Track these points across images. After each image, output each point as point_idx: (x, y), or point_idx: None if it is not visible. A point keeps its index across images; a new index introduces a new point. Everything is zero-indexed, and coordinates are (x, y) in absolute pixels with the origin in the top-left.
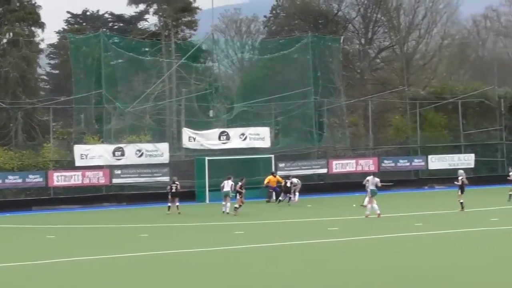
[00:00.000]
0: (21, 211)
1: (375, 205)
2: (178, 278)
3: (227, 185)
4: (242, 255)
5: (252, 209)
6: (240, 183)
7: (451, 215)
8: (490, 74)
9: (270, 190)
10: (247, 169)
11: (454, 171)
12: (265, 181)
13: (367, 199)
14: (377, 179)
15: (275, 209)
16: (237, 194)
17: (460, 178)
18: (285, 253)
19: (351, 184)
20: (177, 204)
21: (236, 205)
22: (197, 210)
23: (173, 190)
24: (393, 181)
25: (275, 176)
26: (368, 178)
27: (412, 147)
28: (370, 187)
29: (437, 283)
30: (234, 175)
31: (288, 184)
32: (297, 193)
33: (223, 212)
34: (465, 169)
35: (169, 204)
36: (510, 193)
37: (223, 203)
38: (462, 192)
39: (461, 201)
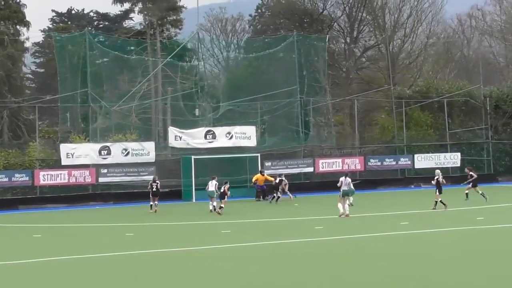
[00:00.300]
0: (7, 210)
1: (346, 206)
2: (164, 278)
3: (211, 185)
4: (228, 254)
5: (239, 208)
6: (226, 186)
7: (437, 214)
8: (475, 73)
9: (258, 189)
10: (234, 168)
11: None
12: (253, 179)
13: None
14: (349, 179)
15: (261, 208)
16: (224, 196)
17: (436, 177)
18: (271, 253)
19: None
20: (156, 203)
21: (222, 205)
22: (184, 209)
23: (154, 189)
24: (360, 180)
25: (263, 175)
26: (341, 179)
27: (398, 146)
28: (343, 187)
29: (422, 282)
30: (220, 174)
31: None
32: (287, 192)
33: (210, 211)
34: (451, 168)
35: (151, 203)
36: (467, 191)
37: (210, 202)
38: (439, 192)
39: (440, 200)
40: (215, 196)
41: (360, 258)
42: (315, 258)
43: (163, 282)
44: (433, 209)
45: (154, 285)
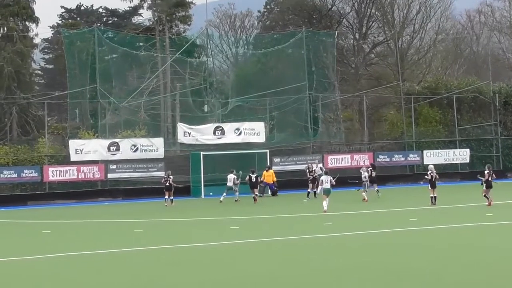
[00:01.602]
0: (16, 206)
1: (325, 203)
2: (173, 273)
3: (230, 179)
4: (236, 250)
5: (247, 204)
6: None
7: (447, 210)
8: (484, 69)
9: (262, 185)
10: (242, 164)
11: (450, 166)
12: (262, 177)
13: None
14: (330, 177)
15: (270, 204)
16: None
17: (429, 173)
18: (279, 248)
19: (346, 179)
20: (171, 198)
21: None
22: (192, 205)
23: (167, 184)
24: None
25: (268, 171)
26: (322, 177)
27: (407, 142)
28: (325, 185)
29: (431, 278)
30: (229, 170)
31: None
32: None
33: (220, 201)
34: (460, 164)
35: (165, 198)
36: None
37: (224, 194)
38: (433, 187)
39: (434, 195)
40: (233, 188)
41: (369, 253)
42: (323, 254)
43: (171, 278)
44: (433, 204)
45: (163, 280)
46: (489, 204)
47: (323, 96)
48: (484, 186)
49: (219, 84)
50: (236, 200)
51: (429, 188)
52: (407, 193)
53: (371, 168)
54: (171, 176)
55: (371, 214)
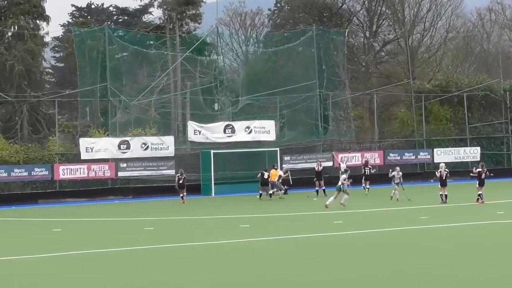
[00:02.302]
0: (27, 204)
1: (332, 198)
2: (183, 271)
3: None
4: (246, 248)
5: (258, 202)
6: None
7: (457, 208)
8: (495, 67)
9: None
10: (253, 163)
11: (460, 164)
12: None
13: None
14: (343, 176)
15: (280, 202)
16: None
17: (439, 170)
18: (289, 247)
19: (357, 178)
20: (184, 194)
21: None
22: (203, 203)
23: (180, 182)
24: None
25: (276, 169)
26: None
27: (417, 140)
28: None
29: (441, 276)
30: (239, 169)
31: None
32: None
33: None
34: (471, 163)
35: (180, 195)
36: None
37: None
38: (443, 185)
39: (445, 193)
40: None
41: (378, 252)
42: (332, 252)
43: (181, 276)
44: (443, 202)
45: (173, 279)
46: (479, 202)
47: (333, 94)
48: (477, 184)
49: (230, 82)
50: (280, 197)
51: (439, 186)
52: (417, 192)
53: (363, 166)
54: (185, 175)
55: (382, 212)
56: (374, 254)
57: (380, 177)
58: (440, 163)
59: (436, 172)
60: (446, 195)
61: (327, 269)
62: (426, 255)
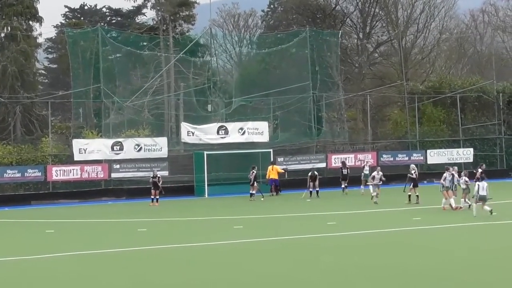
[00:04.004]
0: (20, 206)
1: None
2: (176, 273)
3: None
4: (239, 249)
5: (252, 203)
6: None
7: (449, 210)
8: (488, 68)
9: (272, 184)
10: (246, 164)
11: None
12: (267, 175)
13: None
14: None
15: (275, 203)
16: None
17: (413, 172)
18: (282, 248)
19: (350, 178)
20: (157, 197)
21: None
22: (196, 204)
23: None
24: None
25: (273, 165)
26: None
27: (410, 142)
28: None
29: (433, 278)
30: (233, 170)
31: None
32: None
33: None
34: (464, 164)
35: (151, 197)
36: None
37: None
38: (416, 186)
39: (416, 194)
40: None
41: (371, 253)
42: (326, 253)
43: (174, 277)
44: (416, 202)
45: (166, 280)
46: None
47: (326, 96)
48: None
49: (223, 84)
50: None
51: (411, 187)
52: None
53: (341, 167)
54: (158, 176)
55: (375, 213)
56: (367, 255)
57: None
58: (410, 164)
59: (409, 174)
60: (417, 196)
61: (322, 269)
62: (420, 256)
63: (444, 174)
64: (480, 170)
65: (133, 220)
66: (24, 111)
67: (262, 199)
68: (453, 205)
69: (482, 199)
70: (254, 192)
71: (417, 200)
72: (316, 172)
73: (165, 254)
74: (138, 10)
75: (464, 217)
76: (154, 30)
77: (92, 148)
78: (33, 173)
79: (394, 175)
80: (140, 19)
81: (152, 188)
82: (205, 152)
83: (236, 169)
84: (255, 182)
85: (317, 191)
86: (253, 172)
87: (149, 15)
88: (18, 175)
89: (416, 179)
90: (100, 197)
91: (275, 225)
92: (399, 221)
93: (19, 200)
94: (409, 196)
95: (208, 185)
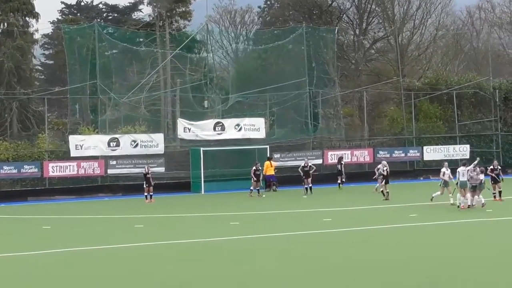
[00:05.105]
0: (16, 202)
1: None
2: (172, 269)
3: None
4: (235, 246)
5: (248, 199)
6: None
7: (447, 206)
8: (484, 65)
9: (268, 180)
10: (243, 160)
11: (450, 162)
12: (264, 170)
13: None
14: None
15: (271, 199)
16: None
17: (385, 168)
18: (278, 244)
19: (346, 175)
20: (151, 194)
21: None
22: (193, 200)
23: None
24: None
25: (270, 160)
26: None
27: (407, 138)
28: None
29: (429, 275)
30: (229, 166)
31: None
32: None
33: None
34: (460, 160)
35: (145, 194)
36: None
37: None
38: (387, 182)
39: (386, 190)
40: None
41: (367, 250)
42: (321, 250)
43: (171, 274)
44: (386, 199)
45: (163, 276)
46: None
47: (323, 92)
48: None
49: (219, 80)
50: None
51: (383, 183)
52: (407, 189)
53: (337, 163)
54: (150, 171)
55: (371, 210)
56: (363, 252)
57: (367, 175)
58: (382, 161)
59: (381, 171)
60: (387, 192)
61: (317, 267)
62: (416, 253)
63: (443, 169)
64: (491, 167)
65: (129, 216)
66: (20, 107)
67: (263, 195)
68: (470, 203)
69: (463, 186)
70: (258, 188)
71: (387, 197)
72: (309, 165)
73: (162, 250)
74: (134, 7)
75: (461, 214)
76: (150, 26)
77: (88, 144)
78: (29, 169)
79: (391, 172)
80: (136, 15)
81: (145, 185)
82: (202, 149)
83: (233, 166)
84: (259, 178)
85: (311, 187)
86: (258, 168)
87: (145, 11)
88: (15, 171)
89: (388, 176)
90: (96, 193)
91: (272, 222)
92: (396, 218)
93: (15, 196)
94: (382, 192)
95: (204, 181)
